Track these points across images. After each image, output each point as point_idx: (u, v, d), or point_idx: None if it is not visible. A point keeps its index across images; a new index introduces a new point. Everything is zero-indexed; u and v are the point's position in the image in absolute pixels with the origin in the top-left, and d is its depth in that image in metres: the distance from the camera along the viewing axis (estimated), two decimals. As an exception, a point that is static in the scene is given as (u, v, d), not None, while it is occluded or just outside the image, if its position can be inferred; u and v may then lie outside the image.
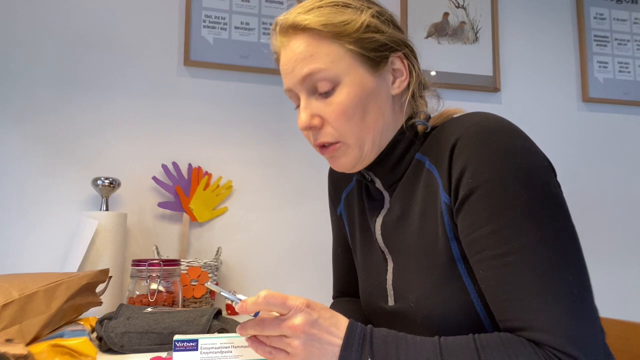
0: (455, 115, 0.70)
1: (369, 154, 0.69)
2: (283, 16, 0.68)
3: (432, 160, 0.65)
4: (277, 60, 0.72)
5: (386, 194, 0.74)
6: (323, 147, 0.69)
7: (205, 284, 0.57)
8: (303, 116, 0.67)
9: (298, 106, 0.70)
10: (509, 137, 0.58)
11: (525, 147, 0.58)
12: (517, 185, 0.55)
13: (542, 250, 0.53)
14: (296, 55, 0.66)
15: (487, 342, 0.53)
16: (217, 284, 1.38)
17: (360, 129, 0.66)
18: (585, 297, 0.53)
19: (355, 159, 0.68)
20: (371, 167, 0.71)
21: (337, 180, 0.89)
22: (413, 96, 0.71)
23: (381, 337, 0.56)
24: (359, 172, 0.75)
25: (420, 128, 0.69)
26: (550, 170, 0.60)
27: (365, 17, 0.66)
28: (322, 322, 0.56)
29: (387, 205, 0.74)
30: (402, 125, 0.70)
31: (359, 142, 0.67)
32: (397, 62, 0.69)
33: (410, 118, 0.71)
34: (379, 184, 0.74)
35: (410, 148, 0.69)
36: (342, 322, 0.58)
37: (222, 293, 0.59)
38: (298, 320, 0.54)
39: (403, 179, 0.70)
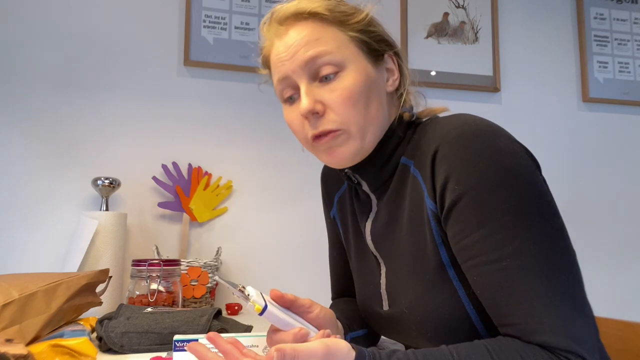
0: (439, 115, 0.70)
1: (369, 147, 0.67)
2: (281, 5, 0.67)
3: (416, 164, 0.65)
4: (267, 51, 0.70)
5: (373, 197, 0.73)
6: (319, 137, 0.65)
7: (216, 278, 0.56)
8: (305, 101, 0.63)
9: (288, 98, 0.68)
10: (491, 139, 0.57)
11: (507, 147, 0.57)
12: (504, 189, 0.55)
13: (536, 252, 0.53)
14: (299, 40, 0.64)
15: (501, 351, 0.52)
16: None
17: (365, 117, 0.64)
18: (581, 295, 0.54)
19: (355, 149, 0.65)
20: (358, 169, 0.70)
21: (329, 183, 0.87)
22: (401, 96, 0.72)
23: None
24: (347, 175, 0.73)
25: (406, 115, 0.70)
26: (535, 167, 0.59)
27: (367, 11, 0.68)
28: None
29: (374, 208, 0.73)
30: (392, 123, 0.69)
31: (362, 132, 0.65)
32: (389, 61, 0.70)
33: (398, 117, 0.70)
34: (365, 187, 0.73)
35: (397, 148, 0.69)
36: None
37: (229, 288, 0.57)
38: None
39: (392, 184, 0.69)
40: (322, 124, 0.64)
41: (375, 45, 0.68)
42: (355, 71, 0.65)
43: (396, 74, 0.71)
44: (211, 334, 0.54)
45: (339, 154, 0.66)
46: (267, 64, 0.72)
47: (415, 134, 0.68)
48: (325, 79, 0.64)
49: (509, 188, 0.55)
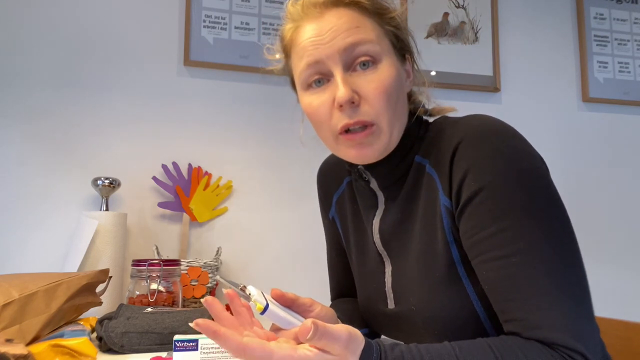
0: (449, 115, 0.71)
1: (393, 144, 0.66)
2: None
3: (432, 163, 0.65)
4: (291, 35, 0.67)
5: (380, 195, 0.73)
6: (347, 132, 0.63)
7: (217, 278, 0.56)
8: (344, 90, 0.61)
9: (313, 84, 0.65)
10: (508, 139, 0.59)
11: (524, 149, 0.59)
12: (519, 187, 0.56)
13: (546, 251, 0.54)
14: (338, 25, 0.62)
15: (503, 348, 0.52)
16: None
17: (394, 113, 0.64)
18: (586, 295, 0.54)
19: (383, 146, 0.64)
20: (371, 166, 0.69)
21: (326, 185, 0.87)
22: (413, 97, 0.73)
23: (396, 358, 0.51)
24: (356, 171, 0.73)
25: (421, 111, 0.71)
26: (547, 171, 0.60)
27: (400, 10, 0.68)
28: None
29: (381, 206, 0.73)
30: (408, 123, 0.69)
31: (391, 128, 0.63)
32: (407, 63, 0.71)
33: (413, 116, 0.70)
34: (374, 184, 0.72)
35: (412, 148, 0.69)
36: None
37: (230, 287, 0.57)
38: None
39: (406, 183, 0.69)
40: (358, 115, 0.62)
41: (404, 44, 0.68)
42: (390, 66, 0.64)
43: (412, 77, 0.71)
44: (230, 291, 0.54)
45: (368, 151, 0.64)
46: (287, 47, 0.69)
47: (428, 132, 0.69)
48: (360, 69, 0.63)
49: (523, 188, 0.56)
